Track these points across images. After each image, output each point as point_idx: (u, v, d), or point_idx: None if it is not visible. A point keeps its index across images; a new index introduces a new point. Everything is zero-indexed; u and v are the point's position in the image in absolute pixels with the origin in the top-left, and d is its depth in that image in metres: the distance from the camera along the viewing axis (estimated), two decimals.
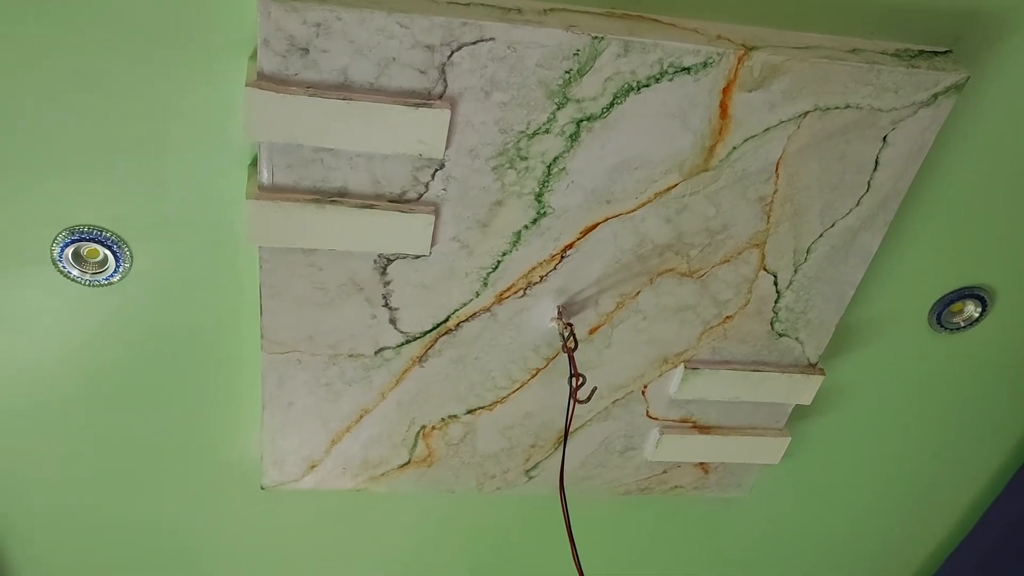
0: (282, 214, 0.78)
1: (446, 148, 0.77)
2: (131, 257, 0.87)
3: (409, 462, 1.04)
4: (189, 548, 1.13)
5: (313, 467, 1.02)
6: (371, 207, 0.80)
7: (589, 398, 0.84)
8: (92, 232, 0.84)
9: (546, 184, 0.81)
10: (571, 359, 0.85)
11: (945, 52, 0.82)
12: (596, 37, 0.73)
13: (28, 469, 1.01)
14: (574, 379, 0.84)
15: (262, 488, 1.03)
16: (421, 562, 1.19)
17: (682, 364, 0.98)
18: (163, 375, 0.95)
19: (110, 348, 0.93)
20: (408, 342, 0.92)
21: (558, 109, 0.76)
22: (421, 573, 1.21)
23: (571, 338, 0.88)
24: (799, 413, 1.09)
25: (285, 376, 0.93)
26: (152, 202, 0.83)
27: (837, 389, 1.10)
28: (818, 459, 1.17)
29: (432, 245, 0.84)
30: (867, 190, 0.86)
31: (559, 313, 0.90)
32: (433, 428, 1.00)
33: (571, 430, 1.03)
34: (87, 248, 0.86)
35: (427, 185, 0.80)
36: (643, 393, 1.01)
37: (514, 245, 0.86)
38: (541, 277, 0.89)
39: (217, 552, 1.13)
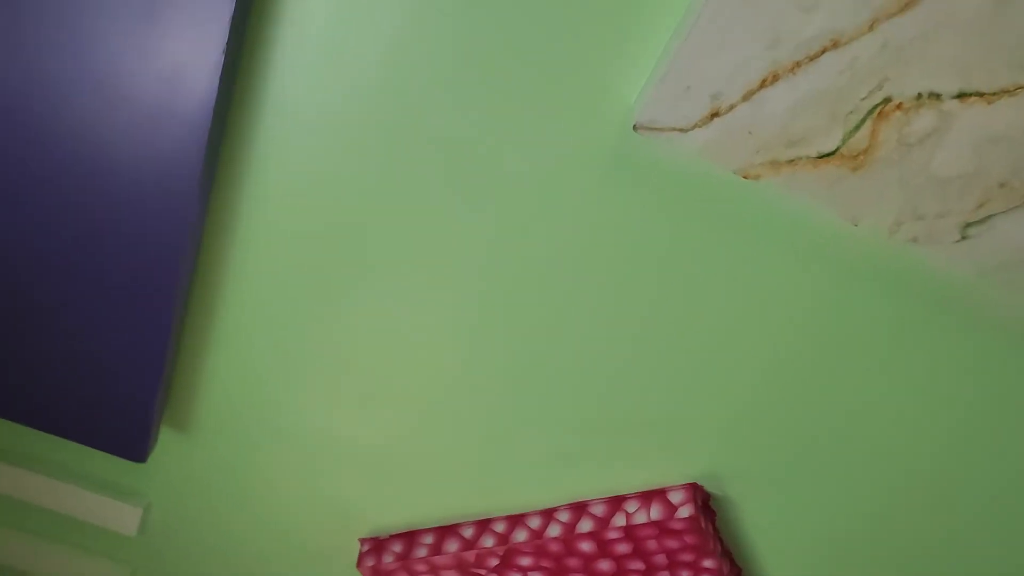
0: None
1: None
2: None
3: (835, 153, 0.77)
4: (504, 178, 0.87)
5: (715, 115, 0.76)
6: None
7: None
8: None
9: None
10: None
11: None
12: None
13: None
14: None
15: (634, 128, 0.77)
16: (767, 294, 0.91)
17: None
18: None
19: None
20: None
21: None
22: (764, 308, 0.93)
23: None
24: None
25: None
26: None
27: None
28: None
29: None
30: None
31: None
32: (897, 107, 0.74)
33: None
34: None
35: None
36: None
37: None
38: None
39: (541, 203, 0.87)
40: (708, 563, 1.11)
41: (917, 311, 0.86)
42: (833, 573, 1.15)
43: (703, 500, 1.10)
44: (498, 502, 1.17)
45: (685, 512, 1.07)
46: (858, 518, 1.08)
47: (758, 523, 1.12)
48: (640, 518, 1.09)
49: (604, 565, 1.15)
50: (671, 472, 1.09)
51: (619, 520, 1.11)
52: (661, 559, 1.12)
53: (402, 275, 0.96)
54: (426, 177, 0.88)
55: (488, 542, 1.17)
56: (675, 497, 1.09)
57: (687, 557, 1.11)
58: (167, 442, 1.18)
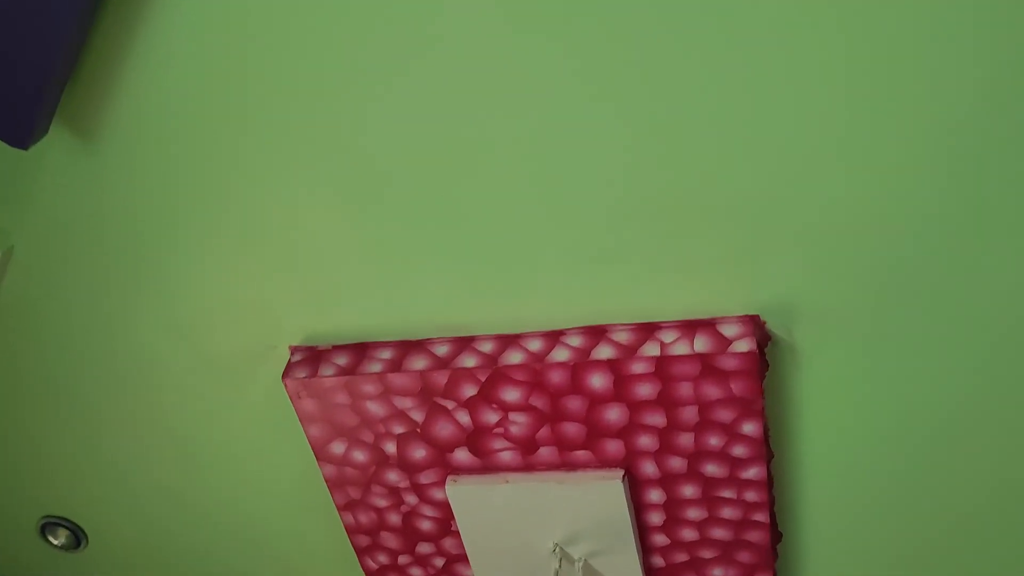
0: None
1: None
2: None
3: None
4: None
5: None
6: None
7: None
8: None
9: None
10: None
11: None
12: None
13: None
14: None
15: None
16: None
17: None
18: None
19: None
20: None
21: None
22: None
23: None
24: None
25: None
26: None
27: None
28: None
29: None
30: None
31: None
32: None
33: None
34: None
35: None
36: None
37: None
38: None
39: None
40: (749, 428, 0.86)
41: None
42: (897, 485, 0.91)
43: (761, 342, 0.85)
44: (488, 317, 0.89)
45: (743, 346, 0.81)
46: (962, 411, 0.84)
47: (822, 390, 0.87)
48: (680, 349, 0.83)
49: (612, 414, 0.88)
50: (725, 299, 0.84)
51: (650, 349, 0.84)
52: (690, 413, 0.86)
53: None
54: None
55: (469, 363, 0.89)
56: (729, 330, 0.84)
57: (725, 415, 0.86)
58: (54, 162, 0.87)
